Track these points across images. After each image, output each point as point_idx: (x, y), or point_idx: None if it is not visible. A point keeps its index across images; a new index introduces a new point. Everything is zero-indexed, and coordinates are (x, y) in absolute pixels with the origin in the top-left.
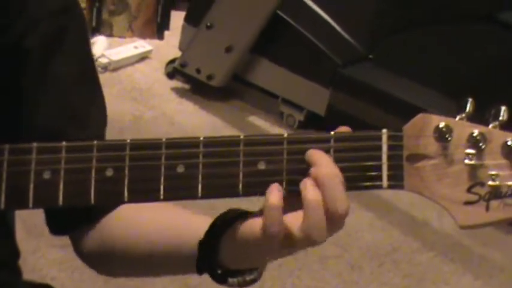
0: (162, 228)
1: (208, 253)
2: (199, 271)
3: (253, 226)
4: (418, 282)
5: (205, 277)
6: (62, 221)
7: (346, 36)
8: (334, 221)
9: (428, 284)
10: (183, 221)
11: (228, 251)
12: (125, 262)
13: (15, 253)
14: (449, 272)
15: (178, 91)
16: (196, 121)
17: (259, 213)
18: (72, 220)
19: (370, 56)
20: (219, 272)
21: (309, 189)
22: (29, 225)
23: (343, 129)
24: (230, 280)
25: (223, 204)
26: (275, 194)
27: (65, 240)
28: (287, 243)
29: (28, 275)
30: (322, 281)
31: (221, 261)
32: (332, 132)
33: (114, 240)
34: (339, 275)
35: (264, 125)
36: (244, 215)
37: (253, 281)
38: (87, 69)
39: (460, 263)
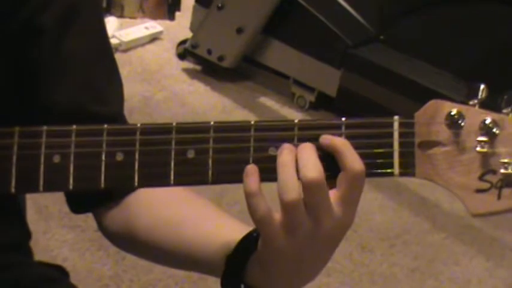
0: (189, 230)
1: (235, 269)
2: (224, 285)
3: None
4: (429, 263)
5: None
6: (82, 199)
7: (358, 17)
8: (307, 188)
9: (439, 265)
10: (214, 221)
11: (255, 269)
12: (146, 250)
13: (26, 234)
14: (460, 253)
15: (189, 72)
16: (207, 102)
17: None
18: (91, 198)
19: (382, 37)
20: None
21: (282, 153)
22: (40, 206)
23: None
24: None
25: (234, 190)
26: (250, 180)
27: (75, 221)
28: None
29: (39, 255)
30: (332, 262)
31: (246, 278)
32: (343, 119)
33: (139, 230)
34: (349, 256)
35: (275, 106)
36: None
37: None
38: (102, 47)
39: (471, 244)
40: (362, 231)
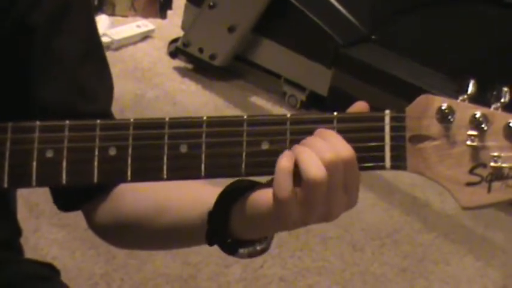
0: (172, 198)
1: (218, 223)
2: (210, 242)
3: (265, 195)
4: (419, 262)
5: (206, 255)
6: (70, 196)
7: (349, 16)
8: (308, 188)
9: (429, 264)
10: (194, 191)
11: (239, 220)
12: (136, 233)
13: (16, 231)
14: (450, 252)
15: (181, 71)
16: (199, 101)
17: (270, 183)
18: (80, 194)
19: (373, 37)
20: (229, 242)
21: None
22: (30, 204)
23: (360, 105)
24: (241, 250)
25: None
26: (286, 157)
27: (66, 219)
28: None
29: (29, 254)
30: (323, 262)
31: (231, 232)
32: (335, 113)
33: (126, 211)
34: (340, 255)
35: (266, 105)
36: (254, 185)
37: (263, 250)
38: (93, 45)
39: (462, 244)
40: (353, 231)
